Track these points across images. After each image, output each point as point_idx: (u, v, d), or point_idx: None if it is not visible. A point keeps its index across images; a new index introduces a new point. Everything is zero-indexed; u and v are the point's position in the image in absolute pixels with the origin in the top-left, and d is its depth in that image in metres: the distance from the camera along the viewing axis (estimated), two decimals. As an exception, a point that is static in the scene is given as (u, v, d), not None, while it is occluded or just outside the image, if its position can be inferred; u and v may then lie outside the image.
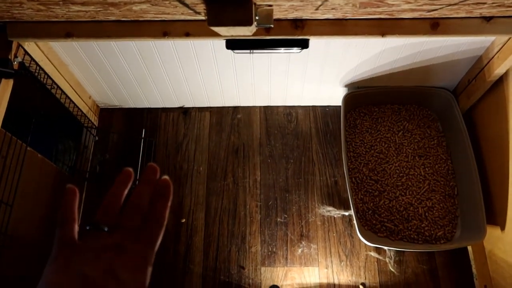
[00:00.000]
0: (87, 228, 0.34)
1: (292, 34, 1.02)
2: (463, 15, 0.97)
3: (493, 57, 1.29)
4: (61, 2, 0.76)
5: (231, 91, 1.63)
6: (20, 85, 1.17)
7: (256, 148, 1.68)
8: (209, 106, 1.75)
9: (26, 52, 1.17)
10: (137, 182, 0.37)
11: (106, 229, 0.33)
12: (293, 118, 1.73)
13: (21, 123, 1.22)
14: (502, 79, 1.32)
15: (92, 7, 0.80)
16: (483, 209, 1.33)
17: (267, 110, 1.75)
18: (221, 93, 1.65)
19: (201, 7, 0.80)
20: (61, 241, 0.32)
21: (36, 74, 1.26)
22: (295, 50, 1.14)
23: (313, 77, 1.53)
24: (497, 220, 1.35)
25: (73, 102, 1.48)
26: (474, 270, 1.42)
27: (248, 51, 1.21)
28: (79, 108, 1.53)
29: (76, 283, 0.29)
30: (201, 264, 1.49)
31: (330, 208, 1.56)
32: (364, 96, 1.62)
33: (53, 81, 1.34)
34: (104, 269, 0.30)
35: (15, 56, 1.11)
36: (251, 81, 1.55)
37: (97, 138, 1.68)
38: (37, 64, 1.24)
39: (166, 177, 0.37)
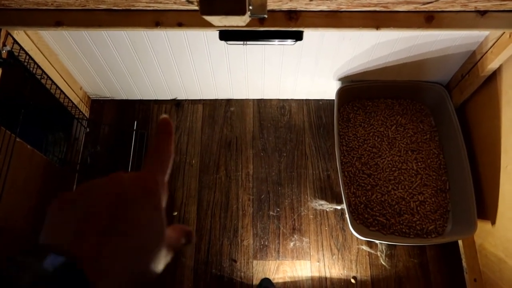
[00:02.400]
0: None
1: (286, 26, 1.01)
2: (458, 8, 0.96)
3: (486, 52, 1.30)
4: (50, -11, 0.74)
5: (224, 84, 1.62)
6: (9, 75, 1.14)
7: (249, 141, 1.67)
8: (202, 98, 1.74)
9: (15, 41, 1.14)
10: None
11: None
12: (286, 112, 1.72)
13: (10, 114, 1.20)
14: (495, 74, 1.32)
15: (82, -6, 0.79)
16: (474, 203, 1.34)
17: (260, 103, 1.74)
18: (214, 86, 1.63)
19: (193, -4, 0.78)
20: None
21: (26, 63, 1.23)
22: (289, 42, 1.13)
23: (307, 70, 1.52)
24: (488, 214, 1.35)
25: (63, 93, 1.46)
26: (464, 264, 1.43)
27: (242, 42, 1.19)
28: (69, 99, 1.51)
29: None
30: (192, 257, 1.48)
31: (323, 202, 1.56)
32: (358, 90, 1.62)
33: (43, 71, 1.32)
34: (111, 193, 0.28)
35: (4, 45, 1.08)
36: (244, 74, 1.54)
37: (88, 129, 1.66)
38: (26, 53, 1.22)
39: (164, 115, 0.36)
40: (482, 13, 0.99)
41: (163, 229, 0.29)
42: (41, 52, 1.31)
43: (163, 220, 0.29)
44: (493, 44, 1.25)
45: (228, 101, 1.74)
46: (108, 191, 0.28)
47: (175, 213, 1.54)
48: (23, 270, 0.21)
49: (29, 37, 1.23)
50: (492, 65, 1.27)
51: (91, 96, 1.71)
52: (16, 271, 0.21)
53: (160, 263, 0.29)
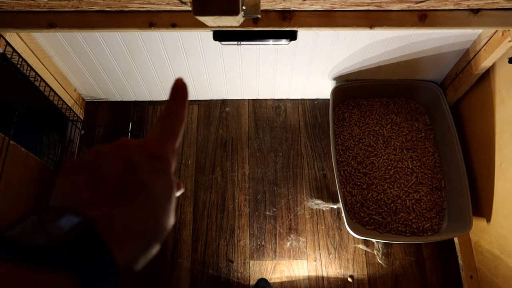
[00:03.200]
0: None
1: (280, 26, 1.01)
2: (451, 7, 0.97)
3: (480, 50, 1.30)
4: (42, -10, 0.73)
5: (219, 84, 1.62)
6: (2, 77, 1.14)
7: (245, 141, 1.67)
8: (197, 99, 1.74)
9: (7, 43, 1.14)
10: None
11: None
12: (281, 111, 1.73)
13: (3, 116, 1.19)
14: (488, 72, 1.33)
15: (75, -4, 0.78)
16: (469, 201, 1.34)
17: (256, 103, 1.74)
18: (209, 86, 1.63)
19: (187, -3, 0.78)
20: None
21: (19, 66, 1.23)
22: (283, 42, 1.13)
23: (302, 70, 1.52)
24: (483, 212, 1.36)
25: (57, 95, 1.45)
26: (460, 262, 1.43)
27: (236, 42, 1.19)
28: (64, 101, 1.50)
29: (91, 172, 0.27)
30: (189, 258, 1.48)
31: (319, 201, 1.56)
32: (353, 89, 1.62)
33: (36, 73, 1.31)
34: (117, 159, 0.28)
35: (-4, 47, 1.08)
36: (239, 74, 1.54)
37: (82, 131, 1.66)
38: (19, 55, 1.21)
39: (179, 78, 0.35)
40: (475, 11, 1.00)
41: (171, 192, 0.29)
42: (35, 54, 1.30)
43: (171, 183, 0.29)
44: (486, 42, 1.26)
45: (223, 102, 1.74)
46: (116, 156, 0.28)
47: (171, 214, 1.53)
48: (37, 230, 0.21)
49: (22, 39, 1.22)
50: (486, 63, 1.28)
51: (85, 98, 1.71)
52: (29, 231, 0.20)
53: (169, 223, 0.29)
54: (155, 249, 0.28)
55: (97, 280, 0.21)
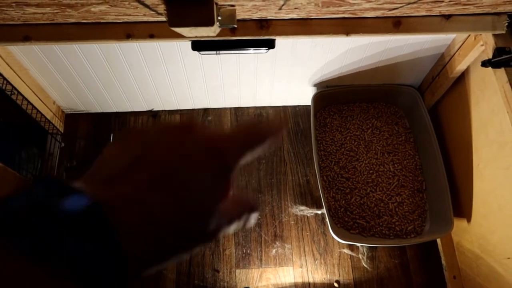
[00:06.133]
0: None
1: (258, 35, 1.02)
2: (424, 13, 0.99)
3: (454, 54, 1.33)
4: (14, 4, 0.72)
5: (201, 93, 1.62)
6: (-23, 92, 1.12)
7: (228, 149, 1.66)
8: (178, 108, 1.73)
9: (-18, 57, 1.12)
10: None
11: None
12: (263, 119, 1.73)
13: (-21, 131, 1.17)
14: (463, 76, 1.36)
15: (48, 8, 0.78)
16: (450, 202, 1.36)
17: (238, 111, 1.74)
18: (191, 95, 1.63)
19: (162, 8, 0.78)
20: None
21: (-6, 80, 1.21)
22: (262, 50, 1.14)
23: (282, 77, 1.53)
24: (464, 212, 1.38)
25: (35, 108, 1.43)
26: (443, 262, 1.45)
27: (214, 52, 1.20)
28: (42, 114, 1.48)
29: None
30: (174, 270, 1.46)
31: (303, 207, 1.57)
32: (333, 95, 1.64)
33: (13, 86, 1.30)
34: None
35: (-30, 62, 1.06)
36: (220, 83, 1.54)
37: (63, 144, 1.63)
38: (-5, 69, 1.19)
39: None
40: (447, 17, 1.02)
41: (216, 200, 0.25)
42: (11, 68, 1.28)
43: (221, 187, 0.25)
44: (460, 47, 1.29)
45: (205, 111, 1.74)
46: (173, 140, 0.25)
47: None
48: (41, 204, 0.19)
49: (-3, 53, 1.20)
50: (460, 66, 1.31)
51: (65, 110, 1.68)
52: (32, 206, 0.19)
53: (201, 231, 0.25)
54: (179, 253, 0.24)
55: (101, 277, 0.19)
